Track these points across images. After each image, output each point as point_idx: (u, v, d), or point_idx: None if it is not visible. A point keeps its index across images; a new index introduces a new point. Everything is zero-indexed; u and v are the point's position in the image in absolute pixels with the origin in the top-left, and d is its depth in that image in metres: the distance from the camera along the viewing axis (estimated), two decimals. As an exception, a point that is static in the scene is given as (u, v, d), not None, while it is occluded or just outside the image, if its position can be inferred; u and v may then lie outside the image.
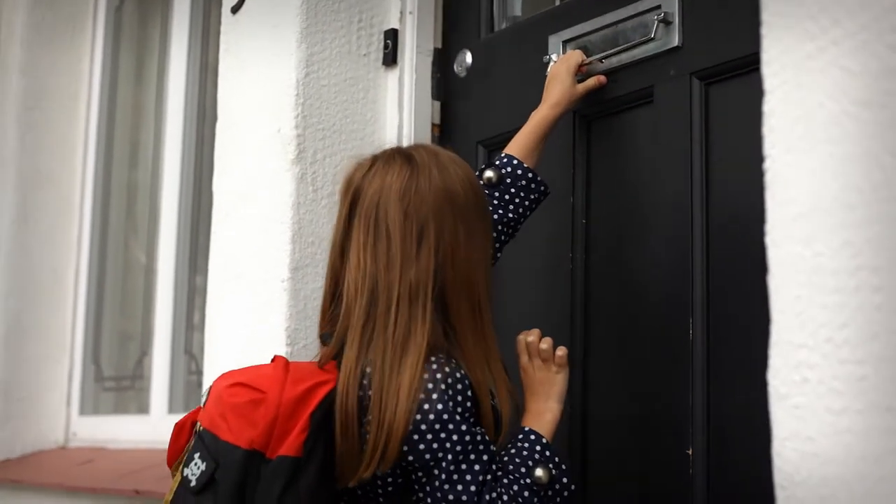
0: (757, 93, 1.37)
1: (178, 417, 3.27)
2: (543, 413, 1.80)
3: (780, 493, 1.26)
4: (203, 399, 1.78)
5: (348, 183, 1.82)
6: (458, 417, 1.66)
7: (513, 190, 1.98)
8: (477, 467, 1.66)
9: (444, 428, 1.65)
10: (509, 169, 1.99)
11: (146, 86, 3.87)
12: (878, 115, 1.20)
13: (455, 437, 1.65)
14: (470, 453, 1.66)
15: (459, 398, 1.67)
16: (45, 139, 3.78)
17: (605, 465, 2.05)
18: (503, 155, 2.02)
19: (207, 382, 2.59)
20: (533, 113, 2.07)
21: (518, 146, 2.03)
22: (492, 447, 1.69)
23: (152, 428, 3.38)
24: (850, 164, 1.22)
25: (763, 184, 1.32)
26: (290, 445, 1.65)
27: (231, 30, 2.66)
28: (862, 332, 1.20)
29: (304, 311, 2.34)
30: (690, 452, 1.87)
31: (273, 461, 1.65)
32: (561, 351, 1.85)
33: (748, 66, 1.85)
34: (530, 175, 1.99)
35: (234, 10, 2.63)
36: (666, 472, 1.90)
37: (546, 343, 1.85)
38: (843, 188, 1.23)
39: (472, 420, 1.68)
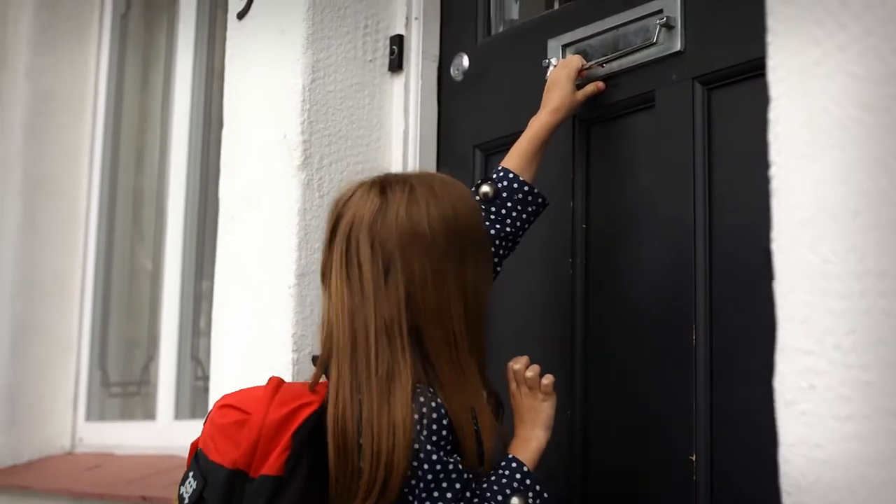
0: (760, 98, 1.37)
1: (184, 423, 3.31)
2: (529, 441, 1.81)
3: (787, 500, 1.26)
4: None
5: (332, 207, 1.85)
6: (429, 447, 1.67)
7: (509, 204, 1.98)
8: (449, 495, 1.67)
9: (415, 457, 1.66)
10: (505, 183, 1.99)
11: (152, 91, 3.88)
12: (883, 120, 1.20)
13: (426, 466, 1.67)
14: (442, 482, 1.67)
15: (434, 427, 1.68)
16: (50, 144, 3.78)
17: (607, 471, 2.05)
18: (500, 168, 2.02)
19: (213, 388, 2.61)
20: (532, 119, 2.07)
21: (517, 153, 2.03)
22: (466, 475, 1.70)
23: (159, 434, 3.39)
24: (856, 169, 1.22)
25: (767, 189, 1.32)
26: (271, 465, 1.69)
27: (237, 35, 2.66)
28: (868, 338, 1.20)
29: (310, 317, 2.34)
30: (693, 458, 1.86)
31: (255, 480, 1.70)
32: (546, 379, 1.84)
33: (751, 72, 1.85)
34: (526, 188, 1.99)
35: (241, 15, 2.63)
36: (669, 478, 1.90)
37: (532, 371, 1.85)
38: (849, 193, 1.23)
39: (447, 448, 1.69)
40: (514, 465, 1.75)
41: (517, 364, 1.86)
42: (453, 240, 1.78)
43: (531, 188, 2.00)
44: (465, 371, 1.75)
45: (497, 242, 1.97)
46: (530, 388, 1.84)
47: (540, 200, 2.01)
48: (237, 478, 1.70)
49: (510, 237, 1.98)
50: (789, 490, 1.26)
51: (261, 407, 1.73)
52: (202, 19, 3.55)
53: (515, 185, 1.99)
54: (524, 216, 1.99)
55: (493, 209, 1.98)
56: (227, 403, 1.78)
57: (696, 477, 1.86)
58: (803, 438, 1.24)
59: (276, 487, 1.68)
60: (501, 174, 2.00)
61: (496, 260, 1.97)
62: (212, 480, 1.73)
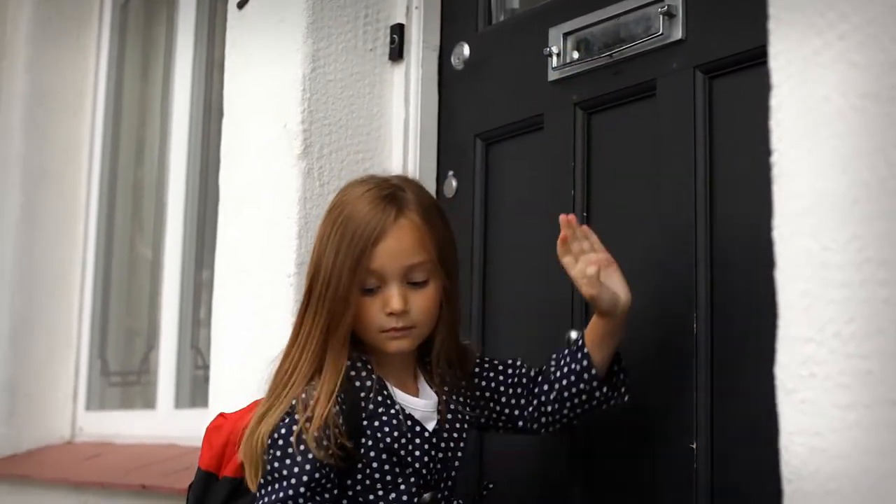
0: (761, 86, 1.37)
1: (184, 412, 3.31)
2: None
3: (787, 487, 1.26)
4: None
5: None
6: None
7: (566, 351, 1.90)
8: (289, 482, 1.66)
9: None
10: (581, 342, 1.87)
11: (152, 82, 3.87)
12: (884, 109, 1.20)
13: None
14: (275, 470, 1.68)
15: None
16: (50, 137, 3.79)
17: (608, 459, 2.05)
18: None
19: (214, 378, 2.61)
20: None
21: (588, 333, 1.90)
22: (314, 474, 1.66)
23: (159, 423, 3.39)
24: (857, 158, 1.22)
25: (768, 178, 1.32)
26: (232, 468, 1.77)
27: (237, 26, 2.66)
28: (869, 327, 1.20)
29: (310, 307, 2.34)
30: (694, 446, 1.87)
31: (220, 481, 1.79)
32: None
33: (752, 60, 1.85)
34: (579, 355, 1.86)
35: (240, 5, 2.63)
36: (669, 465, 1.90)
37: None
38: (850, 182, 1.23)
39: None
40: None
41: None
42: (342, 225, 1.76)
43: (581, 347, 1.86)
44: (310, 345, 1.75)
45: (545, 386, 1.90)
46: None
47: (586, 364, 1.85)
48: (209, 479, 1.80)
49: (537, 380, 1.92)
50: (790, 478, 1.26)
51: (237, 415, 1.83)
52: (202, 10, 3.54)
53: (577, 346, 1.88)
54: (566, 370, 1.87)
55: (555, 355, 1.92)
56: (222, 413, 1.87)
57: (697, 465, 1.86)
58: (804, 427, 1.25)
59: (233, 489, 1.75)
60: (586, 329, 1.89)
61: (524, 381, 1.92)
62: (193, 481, 1.84)
